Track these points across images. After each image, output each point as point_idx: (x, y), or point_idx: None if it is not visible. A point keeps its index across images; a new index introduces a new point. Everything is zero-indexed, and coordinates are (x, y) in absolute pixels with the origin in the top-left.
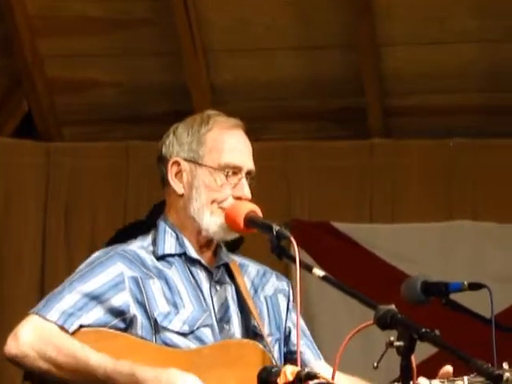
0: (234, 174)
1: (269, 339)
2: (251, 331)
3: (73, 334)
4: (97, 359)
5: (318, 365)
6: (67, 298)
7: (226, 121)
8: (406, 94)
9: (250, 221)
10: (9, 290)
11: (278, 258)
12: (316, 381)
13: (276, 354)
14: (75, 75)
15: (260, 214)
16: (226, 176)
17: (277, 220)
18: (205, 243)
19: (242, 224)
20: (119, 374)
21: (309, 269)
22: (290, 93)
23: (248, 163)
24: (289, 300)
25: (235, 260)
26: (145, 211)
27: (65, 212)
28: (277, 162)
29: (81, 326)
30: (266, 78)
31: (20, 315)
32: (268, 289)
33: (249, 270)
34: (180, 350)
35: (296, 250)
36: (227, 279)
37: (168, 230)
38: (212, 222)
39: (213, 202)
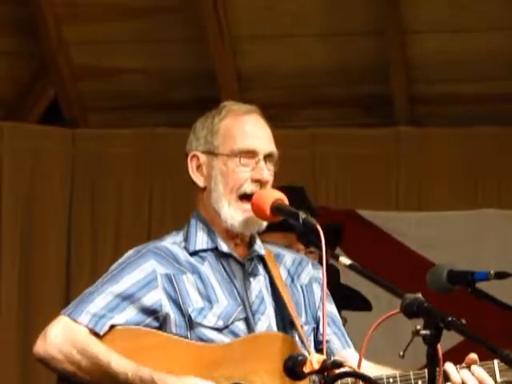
0: (250, 158)
1: (305, 328)
2: (288, 321)
3: (104, 334)
4: (118, 364)
5: (346, 353)
6: (98, 300)
7: (238, 108)
8: (432, 82)
9: (277, 209)
10: (36, 269)
11: (304, 246)
12: (342, 369)
13: (312, 344)
14: (101, 62)
15: (286, 202)
16: (240, 160)
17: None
18: (235, 235)
19: (268, 212)
20: (139, 380)
21: (335, 257)
22: (316, 80)
23: (264, 147)
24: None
25: (271, 250)
26: (171, 197)
27: (91, 198)
28: (303, 148)
29: (112, 326)
30: (292, 65)
31: (47, 296)
32: (304, 277)
33: (285, 260)
34: (210, 345)
35: (322, 238)
36: (261, 271)
37: (199, 224)
38: (229, 215)
39: (231, 191)
